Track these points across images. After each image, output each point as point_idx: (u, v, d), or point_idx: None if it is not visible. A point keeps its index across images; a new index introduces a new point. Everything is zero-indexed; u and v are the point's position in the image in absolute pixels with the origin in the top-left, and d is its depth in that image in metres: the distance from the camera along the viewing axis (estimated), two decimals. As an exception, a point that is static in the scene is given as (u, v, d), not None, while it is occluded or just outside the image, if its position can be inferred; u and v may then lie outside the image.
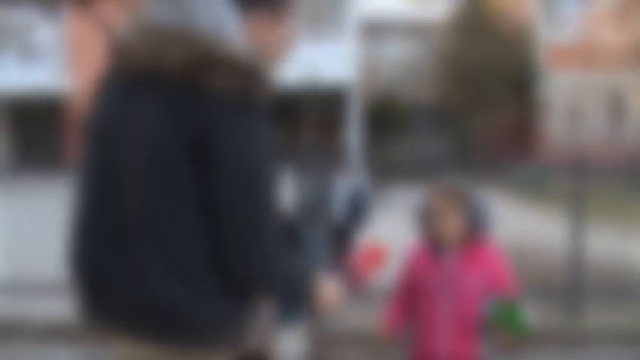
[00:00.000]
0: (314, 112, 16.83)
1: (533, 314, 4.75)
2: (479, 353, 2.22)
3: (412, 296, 2.31)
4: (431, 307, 2.24)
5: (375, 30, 20.59)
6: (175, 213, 1.36)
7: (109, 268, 1.40)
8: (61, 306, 4.15)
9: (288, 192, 4.41)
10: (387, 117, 19.56)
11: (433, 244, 2.28)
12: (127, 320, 1.40)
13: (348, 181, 2.55)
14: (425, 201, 2.30)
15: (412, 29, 21.53)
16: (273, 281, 1.44)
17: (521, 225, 8.43)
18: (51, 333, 4.53)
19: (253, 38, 1.50)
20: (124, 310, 1.40)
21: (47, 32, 15.57)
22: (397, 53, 21.20)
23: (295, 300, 1.68)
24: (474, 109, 18.60)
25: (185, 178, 1.35)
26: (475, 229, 2.22)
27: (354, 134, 16.48)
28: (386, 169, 14.11)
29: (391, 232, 4.99)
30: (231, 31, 1.41)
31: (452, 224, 2.21)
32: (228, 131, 1.34)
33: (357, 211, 2.57)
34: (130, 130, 1.39)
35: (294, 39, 1.62)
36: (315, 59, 14.60)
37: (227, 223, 1.36)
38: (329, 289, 1.56)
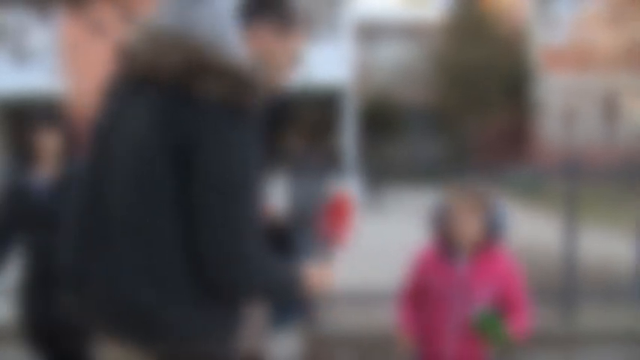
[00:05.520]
0: (309, 115, 16.84)
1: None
2: (486, 358, 2.19)
3: (422, 299, 2.27)
4: (440, 310, 2.20)
5: (370, 32, 20.62)
6: (156, 217, 1.36)
7: (92, 269, 1.42)
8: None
9: (281, 195, 4.39)
10: (382, 119, 19.58)
11: (446, 247, 2.23)
12: (105, 321, 1.42)
13: None
14: (442, 202, 2.24)
15: (407, 31, 21.57)
16: (254, 285, 1.43)
17: (515, 227, 8.42)
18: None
19: (257, 48, 1.50)
20: (102, 311, 1.41)
21: (41, 34, 15.52)
22: (392, 55, 21.23)
23: (286, 301, 1.67)
24: (469, 111, 18.64)
25: (168, 183, 1.36)
26: (492, 234, 2.18)
27: (349, 136, 16.49)
28: (381, 172, 14.13)
29: (386, 233, 4.99)
30: (231, 40, 1.42)
31: (470, 227, 2.15)
32: (213, 138, 1.35)
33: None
34: (122, 135, 1.41)
35: (302, 52, 1.61)
36: (309, 61, 14.60)
37: (206, 228, 1.36)
38: (318, 275, 1.56)
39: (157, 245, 1.36)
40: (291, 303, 1.50)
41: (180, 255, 1.36)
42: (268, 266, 1.43)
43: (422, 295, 2.27)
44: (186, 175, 1.35)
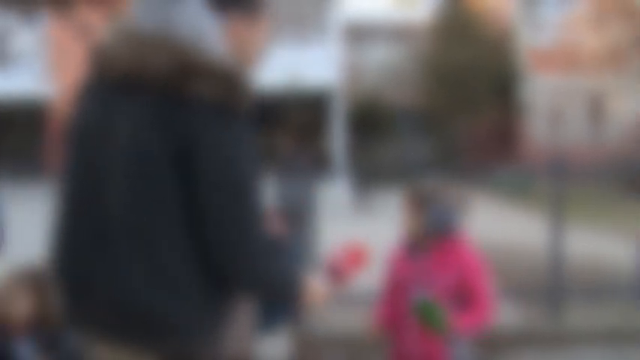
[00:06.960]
0: (298, 117, 16.83)
1: (514, 314, 4.79)
2: (451, 353, 2.22)
3: (395, 296, 2.35)
4: (403, 304, 2.27)
5: (359, 33, 20.66)
6: (157, 218, 1.36)
7: (91, 271, 1.41)
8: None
9: (271, 197, 4.38)
10: (371, 120, 19.61)
11: (408, 243, 2.35)
12: (106, 323, 1.41)
13: None
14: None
15: (395, 32, 21.63)
16: (262, 281, 1.45)
17: (503, 226, 8.49)
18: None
19: (229, 41, 1.50)
20: (103, 313, 1.40)
21: (26, 38, 15.41)
22: (381, 56, 21.28)
23: (282, 301, 1.68)
24: (457, 111, 18.72)
25: (168, 184, 1.36)
26: (441, 228, 2.25)
27: (338, 138, 16.49)
28: (370, 173, 14.16)
29: (375, 234, 5.00)
30: (213, 38, 1.42)
31: (410, 222, 2.28)
32: (211, 137, 1.35)
33: None
34: (112, 136, 1.39)
35: (269, 42, 1.62)
36: (298, 63, 14.61)
37: (214, 227, 1.36)
38: (314, 289, 1.57)
39: (157, 246, 1.36)
40: (281, 303, 1.52)
41: (182, 256, 1.37)
42: (273, 264, 1.45)
43: (395, 292, 2.35)
44: (185, 175, 1.35)
